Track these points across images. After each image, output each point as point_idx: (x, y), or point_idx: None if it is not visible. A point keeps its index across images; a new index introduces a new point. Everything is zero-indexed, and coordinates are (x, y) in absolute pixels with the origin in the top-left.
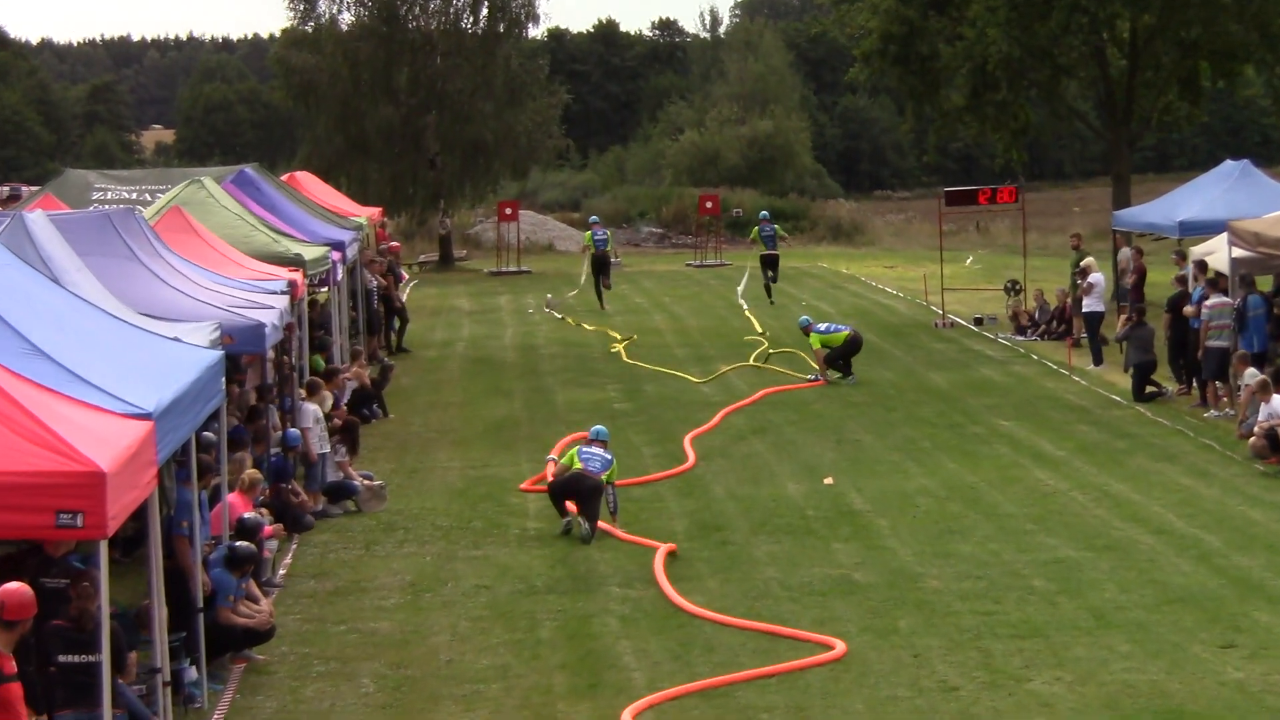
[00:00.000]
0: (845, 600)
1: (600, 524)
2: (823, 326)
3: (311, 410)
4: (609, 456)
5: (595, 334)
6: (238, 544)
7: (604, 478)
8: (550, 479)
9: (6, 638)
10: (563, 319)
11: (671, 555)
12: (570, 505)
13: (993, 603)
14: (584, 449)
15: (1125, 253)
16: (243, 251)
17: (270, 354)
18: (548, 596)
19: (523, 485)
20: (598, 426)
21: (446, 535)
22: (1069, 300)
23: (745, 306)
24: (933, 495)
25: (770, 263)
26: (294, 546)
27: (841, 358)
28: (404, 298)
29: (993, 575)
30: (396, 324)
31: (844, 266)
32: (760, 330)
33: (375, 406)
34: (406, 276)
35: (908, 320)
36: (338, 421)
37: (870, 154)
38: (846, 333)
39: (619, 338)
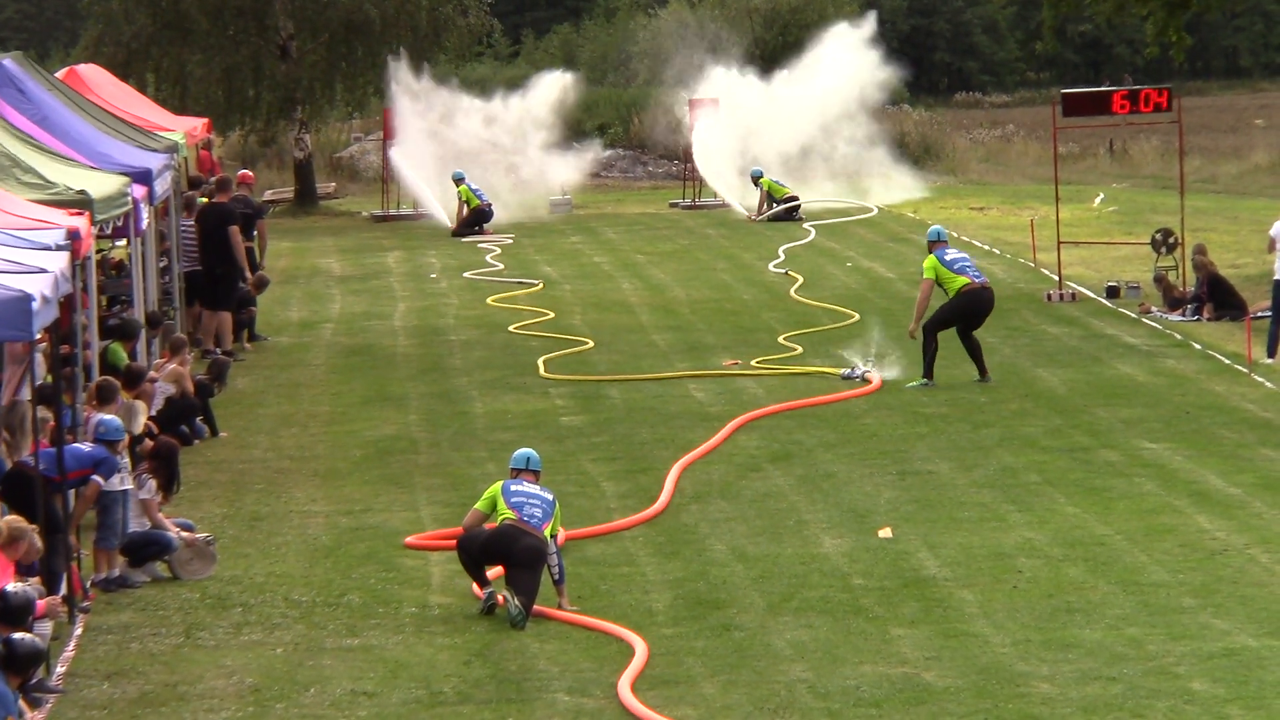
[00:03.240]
0: (910, 714)
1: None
2: (952, 255)
3: None
4: (550, 497)
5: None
6: (17, 637)
7: (547, 532)
8: (464, 531)
9: None
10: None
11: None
12: (494, 572)
13: (1132, 717)
14: (512, 486)
15: None
16: None
17: (41, 341)
18: (461, 709)
19: (412, 540)
20: (525, 450)
21: (307, 616)
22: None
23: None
24: (1043, 555)
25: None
26: (77, 631)
27: (949, 320)
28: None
29: (1132, 675)
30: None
31: (910, 209)
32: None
33: (199, 421)
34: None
35: (1006, 290)
36: (146, 444)
37: (950, 39)
38: (968, 280)
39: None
